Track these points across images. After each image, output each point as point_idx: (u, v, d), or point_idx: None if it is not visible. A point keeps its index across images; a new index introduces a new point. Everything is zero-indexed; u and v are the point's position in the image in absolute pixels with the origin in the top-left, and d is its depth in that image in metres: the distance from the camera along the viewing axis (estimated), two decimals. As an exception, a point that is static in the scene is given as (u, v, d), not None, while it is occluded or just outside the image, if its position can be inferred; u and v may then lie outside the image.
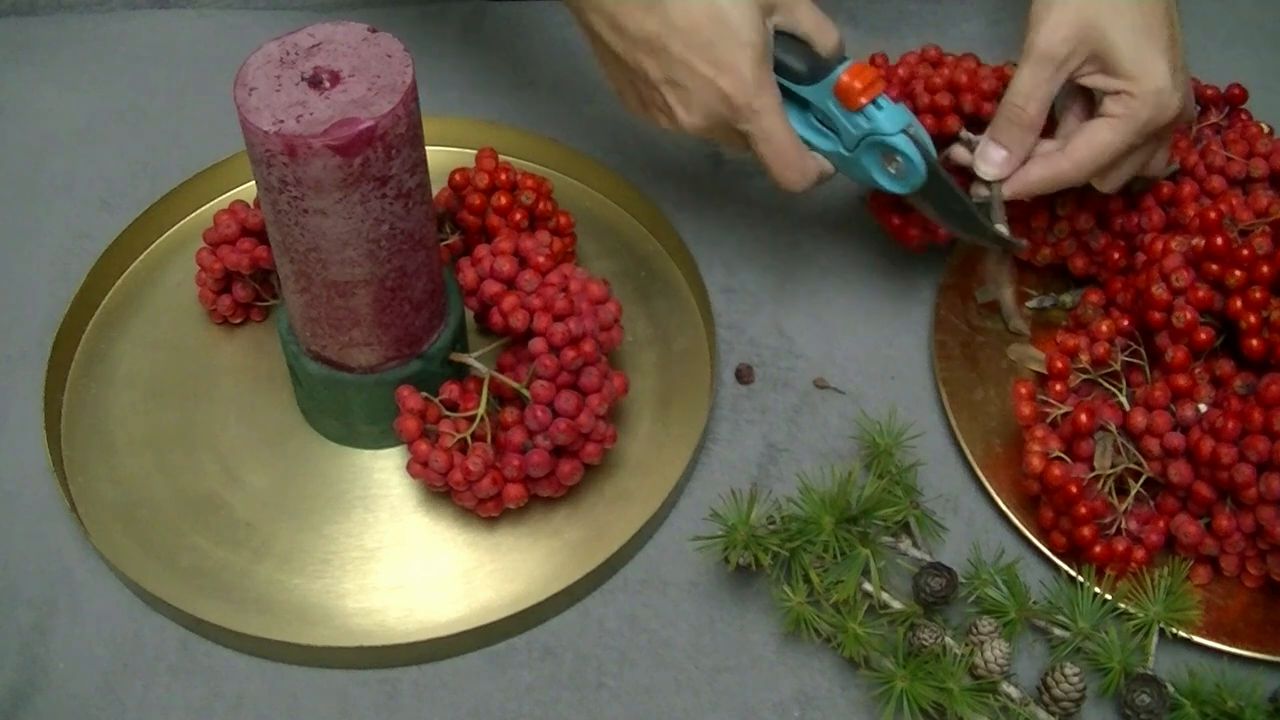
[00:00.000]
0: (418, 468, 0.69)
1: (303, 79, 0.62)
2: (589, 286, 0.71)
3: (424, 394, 0.70)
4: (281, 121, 0.61)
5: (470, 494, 0.69)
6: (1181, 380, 0.69)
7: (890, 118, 0.70)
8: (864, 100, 0.70)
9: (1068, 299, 0.79)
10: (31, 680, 0.68)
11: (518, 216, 0.78)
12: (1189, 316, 0.69)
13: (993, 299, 0.80)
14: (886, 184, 0.72)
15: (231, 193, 0.87)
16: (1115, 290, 0.75)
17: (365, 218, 0.64)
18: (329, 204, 0.63)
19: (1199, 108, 0.87)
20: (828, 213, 0.87)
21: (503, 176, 0.79)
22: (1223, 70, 0.88)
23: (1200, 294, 0.69)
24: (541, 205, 0.79)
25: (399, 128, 0.62)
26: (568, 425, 0.67)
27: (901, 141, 0.70)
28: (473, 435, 0.69)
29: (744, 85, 0.69)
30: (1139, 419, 0.69)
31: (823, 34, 0.71)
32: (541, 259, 0.71)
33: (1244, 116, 0.85)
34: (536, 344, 0.68)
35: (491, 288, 0.71)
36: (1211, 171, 0.76)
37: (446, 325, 0.73)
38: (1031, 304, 0.80)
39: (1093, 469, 0.69)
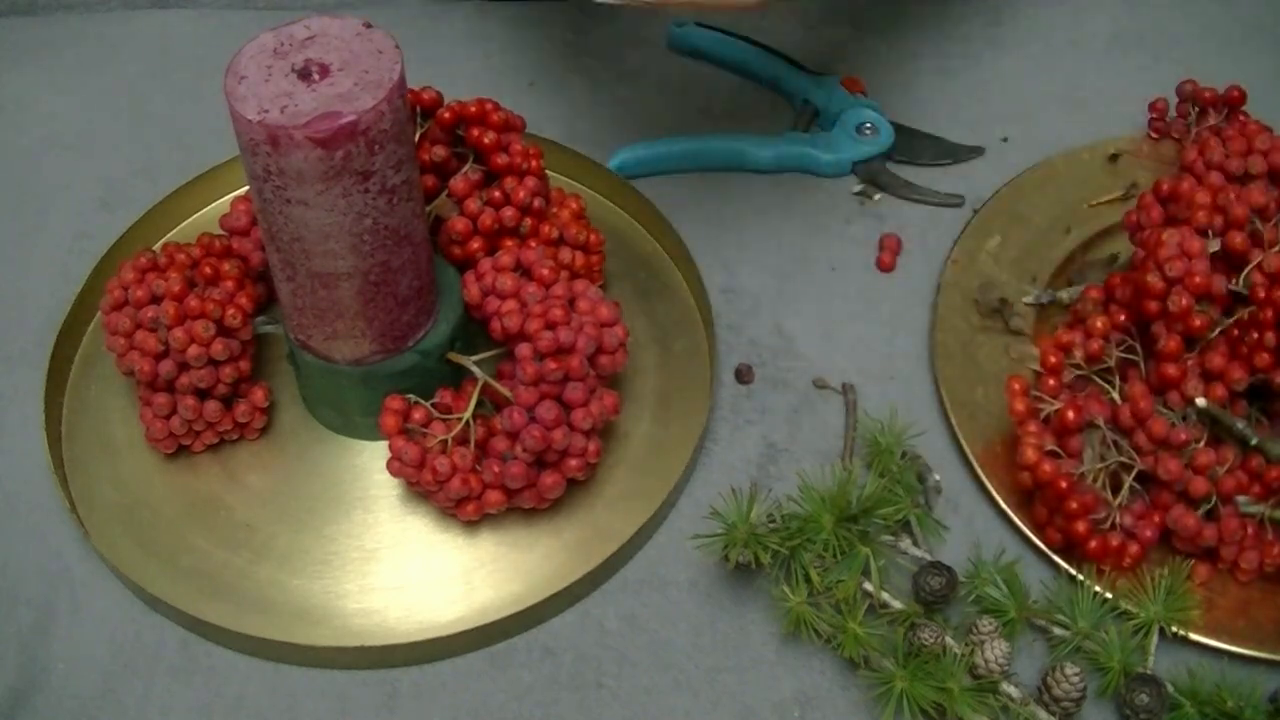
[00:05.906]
0: (396, 465, 0.69)
1: (292, 70, 0.63)
2: (598, 308, 0.70)
3: (412, 396, 0.70)
4: (266, 111, 0.61)
5: (443, 494, 0.69)
6: (1171, 370, 0.69)
7: None
8: None
9: (1066, 295, 0.79)
10: (31, 680, 0.68)
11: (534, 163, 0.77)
12: (1184, 302, 0.69)
13: (993, 299, 0.80)
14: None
15: (232, 194, 0.87)
16: (1114, 285, 0.75)
17: (348, 211, 0.64)
18: (311, 195, 0.63)
19: (1197, 110, 0.87)
20: (828, 213, 0.87)
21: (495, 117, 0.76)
22: (1223, 70, 0.88)
23: (1197, 280, 0.69)
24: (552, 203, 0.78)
25: (382, 123, 0.62)
26: (541, 434, 0.67)
27: None
28: (458, 438, 0.69)
29: None
30: (1128, 413, 0.69)
31: None
32: (546, 271, 0.71)
33: (1242, 118, 0.85)
34: (522, 348, 0.68)
35: (493, 304, 0.71)
36: (1210, 168, 0.76)
37: (439, 321, 0.72)
38: (1030, 300, 0.80)
39: (1083, 464, 0.69)
